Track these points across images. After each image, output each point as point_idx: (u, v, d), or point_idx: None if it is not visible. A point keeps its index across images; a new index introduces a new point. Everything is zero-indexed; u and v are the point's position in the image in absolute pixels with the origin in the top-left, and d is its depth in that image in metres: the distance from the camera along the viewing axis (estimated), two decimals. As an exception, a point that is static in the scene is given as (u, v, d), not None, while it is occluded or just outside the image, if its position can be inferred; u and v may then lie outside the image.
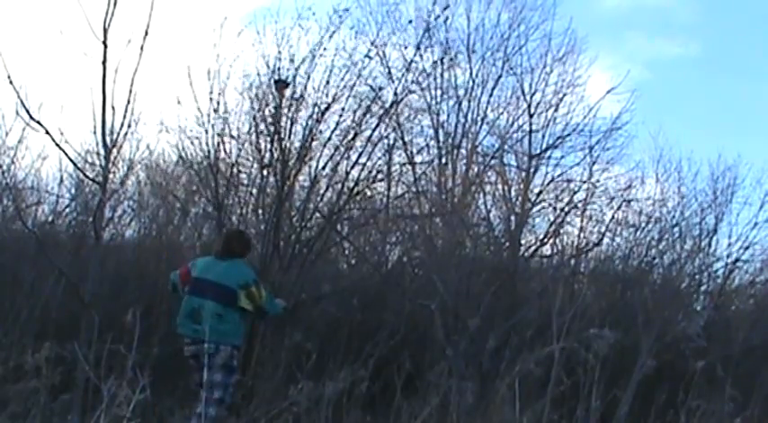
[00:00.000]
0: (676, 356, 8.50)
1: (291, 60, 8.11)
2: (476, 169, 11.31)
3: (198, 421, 5.74)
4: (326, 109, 8.16)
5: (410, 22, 9.21)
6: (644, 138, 11.98)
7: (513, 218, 10.23)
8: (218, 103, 8.21)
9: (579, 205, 10.33)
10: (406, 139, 10.31)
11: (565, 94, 11.54)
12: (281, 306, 6.49)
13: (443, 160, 11.54)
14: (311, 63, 8.12)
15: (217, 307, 5.90)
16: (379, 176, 9.14)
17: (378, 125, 8.53)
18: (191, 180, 9.69)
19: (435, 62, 9.65)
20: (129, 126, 7.14)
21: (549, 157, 11.23)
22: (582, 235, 10.17)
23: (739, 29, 18.34)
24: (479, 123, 11.85)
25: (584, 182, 10.69)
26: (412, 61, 8.71)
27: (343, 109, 8.28)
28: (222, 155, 8.39)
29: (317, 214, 8.60)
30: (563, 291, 7.98)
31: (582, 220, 10.25)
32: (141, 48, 6.90)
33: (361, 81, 8.32)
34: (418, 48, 8.78)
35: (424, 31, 8.84)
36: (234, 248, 6.18)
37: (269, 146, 8.23)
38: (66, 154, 7.06)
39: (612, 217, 10.13)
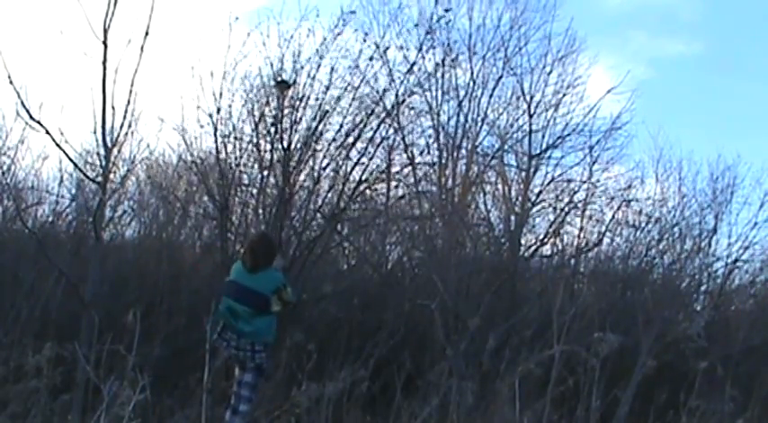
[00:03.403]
0: (676, 356, 8.50)
1: (295, 61, 8.13)
2: (476, 169, 11.32)
3: (232, 416, 5.91)
4: (329, 110, 8.18)
5: (416, 26, 9.22)
6: (644, 138, 12.00)
7: (513, 218, 10.24)
8: (221, 103, 8.24)
9: (579, 205, 10.35)
10: (408, 139, 10.32)
11: (565, 95, 11.56)
12: (295, 294, 6.49)
13: (444, 161, 11.55)
14: (315, 64, 8.15)
15: (250, 312, 5.90)
16: (381, 177, 9.15)
17: (379, 126, 8.54)
18: (191, 180, 9.69)
19: (437, 64, 9.66)
20: (129, 126, 7.14)
21: (549, 157, 11.26)
22: (582, 235, 10.19)
23: (742, 28, 18.33)
24: (480, 124, 11.86)
25: (584, 182, 10.70)
26: (414, 63, 8.73)
27: (346, 110, 8.30)
28: (224, 155, 8.40)
29: (319, 215, 8.60)
30: (563, 291, 7.97)
31: (582, 220, 10.28)
32: (141, 48, 6.91)
33: (363, 83, 8.35)
34: (420, 49, 8.80)
35: (426, 34, 8.86)
36: (261, 262, 6.06)
37: (270, 146, 8.24)
38: (66, 154, 7.07)
39: (612, 217, 10.15)
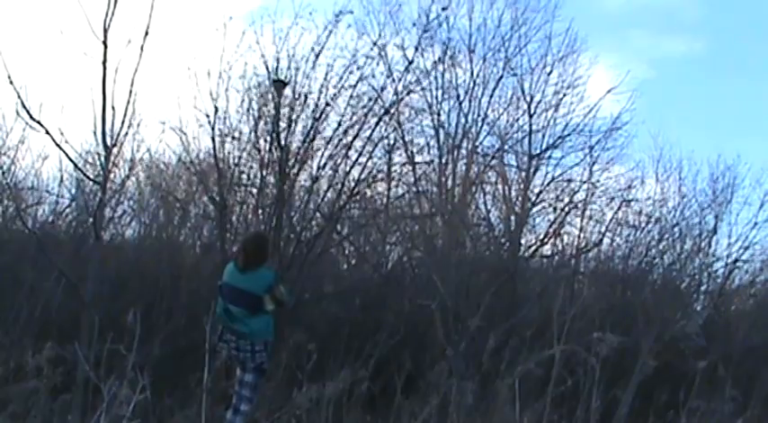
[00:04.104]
0: (676, 356, 8.50)
1: (290, 60, 8.12)
2: (476, 169, 11.31)
3: (233, 416, 5.93)
4: (325, 108, 8.17)
5: (414, 24, 9.21)
6: (644, 138, 12.00)
7: (513, 218, 10.24)
8: (218, 103, 8.22)
9: (579, 205, 10.34)
10: (407, 139, 10.32)
11: (565, 95, 11.55)
12: (291, 293, 6.49)
13: (444, 160, 11.54)
14: (311, 63, 8.14)
15: (245, 313, 5.93)
16: (380, 176, 9.14)
17: (378, 124, 8.53)
18: (191, 180, 9.68)
19: (436, 62, 9.65)
20: (130, 126, 7.14)
21: (549, 157, 11.26)
22: (582, 235, 10.19)
23: (743, 27, 18.34)
24: (480, 123, 11.85)
25: (584, 182, 10.71)
26: (412, 61, 8.72)
27: (344, 109, 8.29)
28: (222, 155, 8.38)
29: (318, 214, 8.59)
30: (563, 291, 7.97)
31: (582, 221, 10.27)
32: (141, 48, 6.91)
33: (362, 81, 8.34)
34: (417, 48, 8.80)
35: (423, 32, 8.85)
36: (251, 261, 6.07)
37: (268, 146, 8.23)
38: (66, 154, 7.07)
39: (612, 217, 10.15)
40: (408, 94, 8.90)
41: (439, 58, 9.88)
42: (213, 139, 8.24)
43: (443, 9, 9.00)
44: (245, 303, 5.89)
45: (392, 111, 8.69)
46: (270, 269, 6.12)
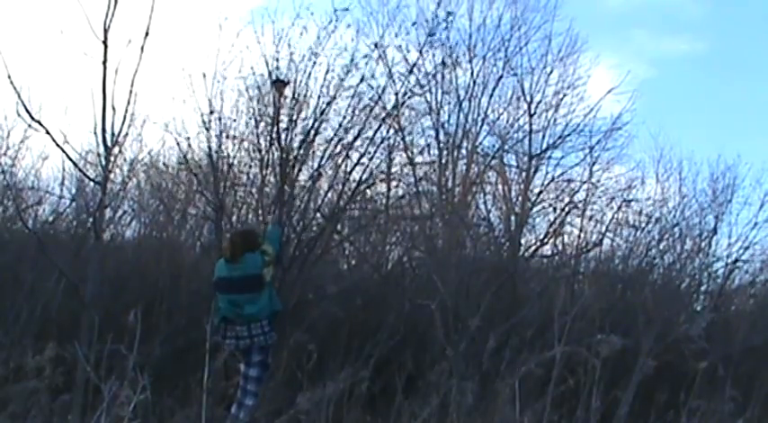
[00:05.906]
0: (676, 357, 8.49)
1: (290, 60, 8.09)
2: (476, 169, 11.33)
3: (237, 410, 6.12)
4: (326, 108, 8.14)
5: (413, 24, 9.20)
6: (644, 138, 12.03)
7: (513, 218, 10.24)
8: (218, 103, 8.19)
9: (579, 205, 10.34)
10: (407, 139, 10.31)
11: (565, 95, 11.57)
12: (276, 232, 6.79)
13: (444, 160, 11.54)
14: (310, 62, 8.11)
15: (249, 296, 6.08)
16: (380, 177, 9.12)
17: (379, 127, 8.51)
18: (191, 181, 9.67)
19: (439, 65, 9.61)
20: (130, 126, 7.14)
21: (550, 157, 11.28)
22: (582, 235, 10.18)
23: (744, 27, 18.38)
24: (480, 123, 11.86)
25: (584, 182, 10.72)
26: (415, 64, 8.69)
27: (344, 109, 8.27)
28: (220, 155, 8.36)
29: (318, 215, 8.59)
30: (563, 291, 7.97)
31: (582, 221, 10.27)
32: (141, 48, 6.91)
33: (362, 82, 8.30)
34: (421, 52, 8.77)
35: (427, 37, 8.81)
36: (239, 252, 6.22)
37: (269, 146, 8.21)
38: (66, 154, 7.06)
39: (612, 217, 10.15)
40: (410, 97, 8.87)
41: (442, 62, 9.84)
42: (208, 140, 8.23)
43: (449, 14, 8.97)
44: (248, 288, 6.12)
45: (393, 114, 8.66)
46: (254, 251, 6.22)
